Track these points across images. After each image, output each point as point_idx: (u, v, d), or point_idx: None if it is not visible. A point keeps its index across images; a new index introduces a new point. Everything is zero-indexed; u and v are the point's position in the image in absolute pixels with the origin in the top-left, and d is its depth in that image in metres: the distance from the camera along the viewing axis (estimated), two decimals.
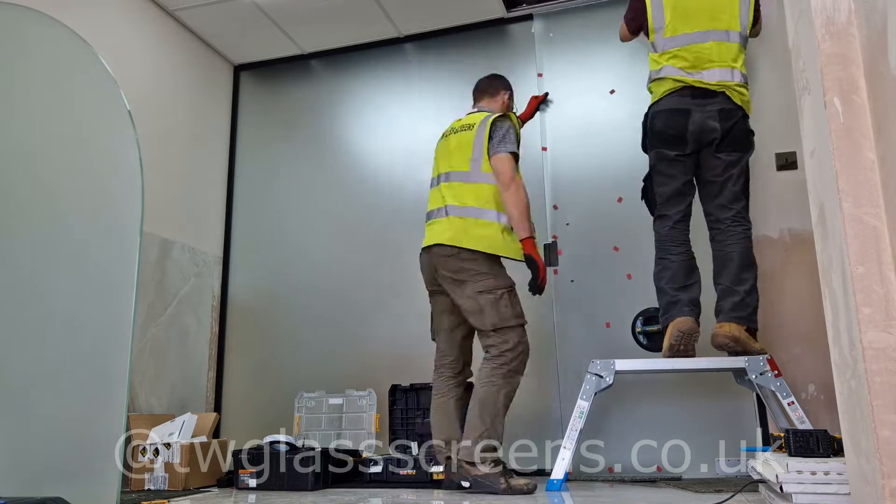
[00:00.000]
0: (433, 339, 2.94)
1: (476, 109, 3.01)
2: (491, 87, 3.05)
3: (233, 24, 3.89)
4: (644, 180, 2.90)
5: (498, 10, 3.82)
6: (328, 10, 3.77)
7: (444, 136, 2.98)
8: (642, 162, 3.58)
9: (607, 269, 3.39)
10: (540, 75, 3.73)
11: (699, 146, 2.74)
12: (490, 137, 2.80)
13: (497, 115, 2.85)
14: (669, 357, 2.64)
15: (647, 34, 2.91)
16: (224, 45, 4.13)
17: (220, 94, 4.22)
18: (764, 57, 3.33)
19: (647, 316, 3.15)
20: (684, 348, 2.63)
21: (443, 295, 2.82)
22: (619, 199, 3.43)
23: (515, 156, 2.78)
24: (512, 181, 2.72)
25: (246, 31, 3.96)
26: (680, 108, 2.71)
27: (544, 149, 3.66)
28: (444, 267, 2.74)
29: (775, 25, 3.26)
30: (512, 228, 2.74)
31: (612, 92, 3.58)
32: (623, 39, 3.15)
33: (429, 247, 2.80)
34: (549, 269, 3.49)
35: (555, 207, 3.56)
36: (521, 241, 2.72)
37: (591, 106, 3.62)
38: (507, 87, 3.07)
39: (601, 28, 3.70)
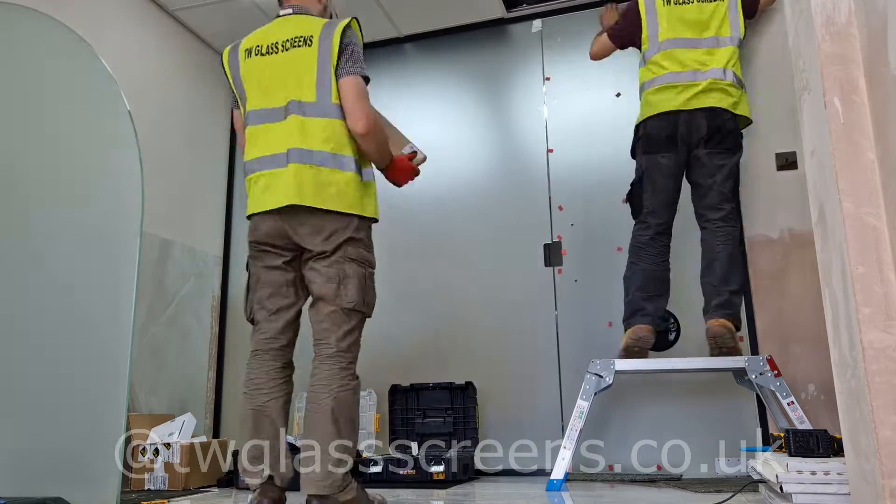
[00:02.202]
0: (250, 318, 2.25)
1: (293, 11, 2.22)
2: None
3: (233, 24, 3.89)
4: (632, 185, 2.94)
5: (498, 11, 3.82)
6: None
7: (255, 52, 2.20)
8: None
9: (610, 269, 3.39)
10: (548, 79, 3.74)
11: (688, 147, 2.79)
12: (340, 53, 2.09)
13: (344, 22, 2.12)
14: (624, 357, 2.74)
15: (639, 46, 2.96)
16: (224, 45, 4.12)
17: (221, 94, 4.22)
18: (764, 56, 3.33)
19: None
20: (638, 351, 2.73)
21: (286, 264, 2.17)
22: (624, 201, 3.43)
23: (367, 79, 2.14)
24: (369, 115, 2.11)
25: (246, 31, 3.94)
26: (670, 110, 2.77)
27: (550, 151, 3.66)
28: (304, 229, 2.09)
29: (776, 25, 3.26)
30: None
31: (619, 95, 3.59)
32: (598, 55, 3.14)
33: (276, 209, 2.10)
34: (553, 268, 3.51)
35: (560, 208, 3.56)
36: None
37: (596, 108, 3.63)
38: None
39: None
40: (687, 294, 3.19)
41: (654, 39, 2.87)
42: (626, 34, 2.99)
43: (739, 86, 2.81)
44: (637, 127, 2.92)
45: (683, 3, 2.86)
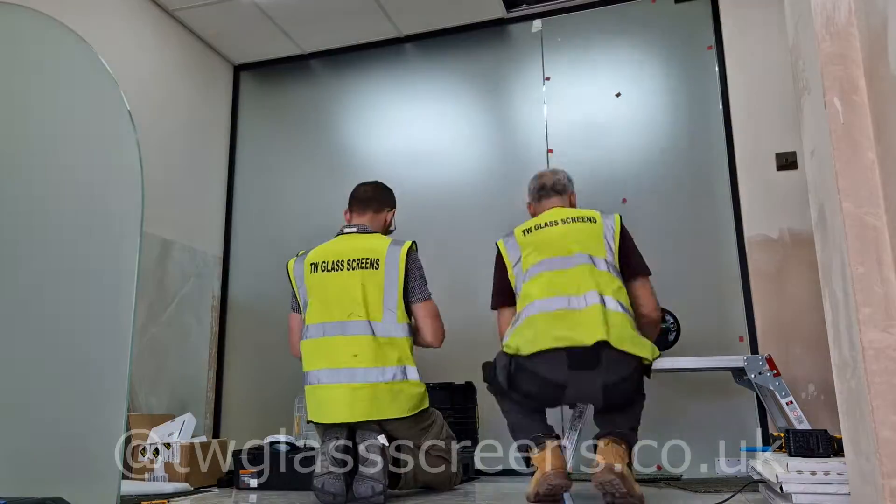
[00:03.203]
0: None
1: (356, 229, 2.68)
2: (379, 198, 2.76)
3: (233, 24, 3.89)
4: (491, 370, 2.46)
5: (498, 11, 3.82)
6: (328, 10, 3.77)
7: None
8: (646, 164, 3.58)
9: None
10: (548, 79, 3.74)
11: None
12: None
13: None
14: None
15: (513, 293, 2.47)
16: (224, 45, 4.12)
17: (220, 94, 4.22)
18: (763, 55, 3.33)
19: None
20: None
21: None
22: (624, 201, 3.44)
23: None
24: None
25: (246, 31, 3.96)
26: (554, 380, 2.22)
27: (550, 151, 3.66)
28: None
29: (774, 26, 3.26)
30: None
31: (619, 95, 3.59)
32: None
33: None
34: None
35: None
36: None
37: (596, 108, 3.63)
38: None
39: (605, 30, 3.71)
40: (687, 294, 3.19)
41: (519, 267, 2.47)
42: (503, 286, 2.55)
43: (627, 311, 2.32)
44: (494, 366, 2.47)
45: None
